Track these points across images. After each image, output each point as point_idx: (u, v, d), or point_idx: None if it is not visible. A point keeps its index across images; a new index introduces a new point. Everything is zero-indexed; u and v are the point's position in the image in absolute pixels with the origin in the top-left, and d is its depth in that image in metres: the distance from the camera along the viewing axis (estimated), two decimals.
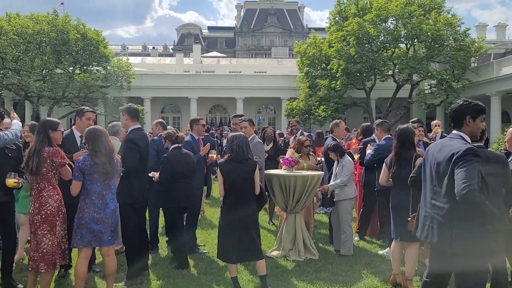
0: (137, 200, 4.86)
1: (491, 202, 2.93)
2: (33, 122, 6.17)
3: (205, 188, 8.19)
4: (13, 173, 4.31)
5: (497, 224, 3.01)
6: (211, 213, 8.89)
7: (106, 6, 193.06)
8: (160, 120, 6.92)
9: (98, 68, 27.29)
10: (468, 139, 3.21)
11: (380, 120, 6.60)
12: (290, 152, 6.56)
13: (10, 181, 4.25)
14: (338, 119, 7.83)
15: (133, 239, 4.86)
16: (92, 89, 25.61)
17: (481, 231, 2.95)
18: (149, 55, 63.50)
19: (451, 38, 25.05)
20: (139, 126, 5.07)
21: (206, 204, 9.74)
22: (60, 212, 4.18)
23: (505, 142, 4.65)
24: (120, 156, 4.43)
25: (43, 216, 4.07)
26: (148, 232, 5.79)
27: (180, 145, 5.56)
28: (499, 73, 23.54)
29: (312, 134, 11.27)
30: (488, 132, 17.82)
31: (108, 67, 27.14)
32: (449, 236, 3.03)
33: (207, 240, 6.82)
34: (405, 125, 4.94)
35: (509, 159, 4.43)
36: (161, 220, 6.47)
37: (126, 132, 5.22)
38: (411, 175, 3.72)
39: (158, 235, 6.48)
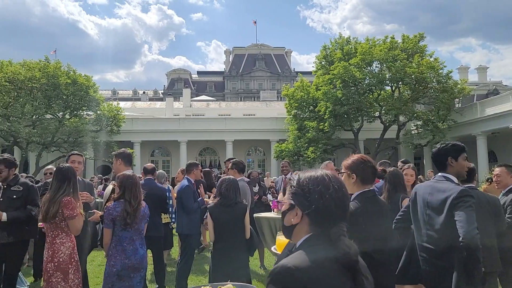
0: None
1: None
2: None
3: None
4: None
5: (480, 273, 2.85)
6: (201, 257, 8.73)
7: (96, 51, 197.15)
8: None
9: (88, 113, 27.49)
10: (456, 180, 3.16)
11: (382, 161, 6.60)
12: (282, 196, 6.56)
13: None
14: (328, 160, 7.92)
15: None
16: (82, 133, 25.68)
17: (481, 277, 2.81)
18: (139, 99, 64.17)
19: (434, 81, 25.82)
20: (131, 171, 5.10)
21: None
22: (72, 260, 4.02)
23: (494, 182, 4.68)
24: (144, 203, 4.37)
25: (56, 264, 3.94)
26: None
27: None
28: (483, 114, 24.20)
29: None
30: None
31: (98, 112, 27.35)
32: (450, 281, 2.90)
33: None
34: (394, 168, 4.95)
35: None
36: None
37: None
38: (397, 217, 3.57)
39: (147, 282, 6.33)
